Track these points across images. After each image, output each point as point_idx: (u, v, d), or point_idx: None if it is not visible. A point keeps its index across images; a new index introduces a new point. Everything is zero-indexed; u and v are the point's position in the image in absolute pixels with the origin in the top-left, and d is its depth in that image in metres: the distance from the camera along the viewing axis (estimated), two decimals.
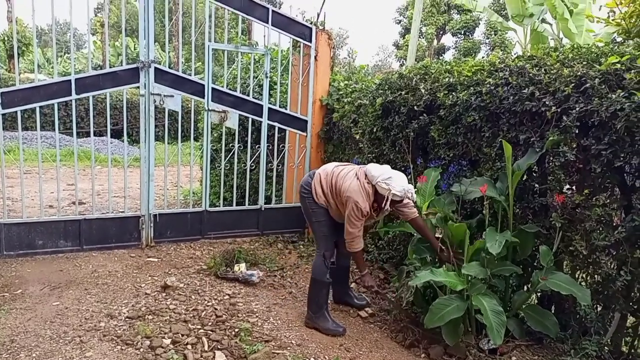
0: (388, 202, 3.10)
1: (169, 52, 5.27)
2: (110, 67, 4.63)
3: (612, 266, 2.73)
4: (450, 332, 2.99)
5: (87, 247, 4.58)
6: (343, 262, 3.71)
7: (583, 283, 3.03)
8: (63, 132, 11.59)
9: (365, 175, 3.20)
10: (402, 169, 4.30)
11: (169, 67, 4.80)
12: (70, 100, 4.38)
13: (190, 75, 4.91)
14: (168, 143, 5.01)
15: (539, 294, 3.30)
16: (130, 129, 12.12)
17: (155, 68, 4.60)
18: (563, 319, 3.08)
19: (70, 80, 4.31)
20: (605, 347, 2.83)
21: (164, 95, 4.64)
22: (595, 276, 2.95)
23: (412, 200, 3.24)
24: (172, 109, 4.76)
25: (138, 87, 4.63)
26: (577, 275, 3.07)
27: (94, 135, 5.24)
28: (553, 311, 3.17)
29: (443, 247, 3.24)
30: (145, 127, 4.64)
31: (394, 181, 3.08)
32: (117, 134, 13.05)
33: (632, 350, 2.90)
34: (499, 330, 2.70)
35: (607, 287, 2.82)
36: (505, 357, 2.96)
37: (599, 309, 3.01)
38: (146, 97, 4.59)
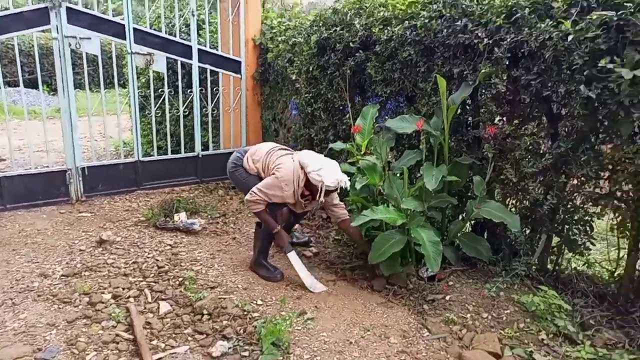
0: (322, 194, 3.07)
1: None
2: (15, 8, 4.14)
3: (539, 191, 2.89)
4: (389, 266, 3.09)
5: (11, 205, 4.27)
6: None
7: (513, 209, 3.20)
8: None
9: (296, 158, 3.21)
10: (340, 107, 4.27)
11: (85, 7, 4.36)
12: None
13: (107, 15, 4.50)
14: (91, 91, 4.65)
15: (473, 223, 3.47)
16: (49, 77, 11.16)
17: (68, 7, 4.17)
18: (495, 244, 3.27)
19: None
20: (533, 267, 3.05)
21: (80, 38, 4.25)
22: (524, 202, 3.12)
23: (346, 189, 3.22)
24: (91, 53, 4.39)
25: (50, 30, 4.20)
26: (507, 202, 3.24)
27: (8, 86, 4.70)
28: (486, 237, 3.34)
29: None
30: (62, 74, 4.26)
31: (325, 171, 3.04)
32: (33, 84, 12.02)
33: (557, 268, 3.14)
34: (436, 259, 2.82)
35: (534, 212, 2.99)
36: (443, 282, 3.12)
37: (528, 232, 3.21)
38: (60, 40, 4.19)
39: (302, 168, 3.14)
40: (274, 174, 3.16)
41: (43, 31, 4.40)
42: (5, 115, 4.30)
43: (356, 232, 3.31)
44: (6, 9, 4.11)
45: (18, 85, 11.99)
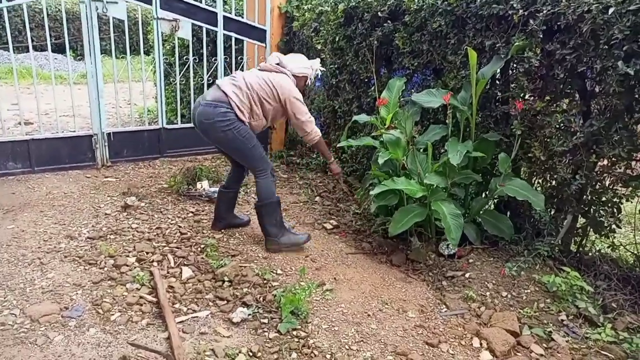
0: (309, 81, 3.34)
1: None
2: None
3: (568, 171, 2.81)
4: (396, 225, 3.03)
5: (39, 168, 4.37)
6: (235, 187, 3.55)
7: (539, 188, 3.13)
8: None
9: (279, 67, 3.20)
10: (366, 79, 4.20)
11: None
12: (1, 9, 3.94)
13: None
14: (116, 57, 4.67)
15: (496, 200, 3.41)
16: (74, 43, 11.24)
17: None
18: (518, 223, 3.21)
19: None
20: (556, 247, 2.99)
21: (107, 2, 4.24)
22: (551, 181, 3.05)
23: (318, 71, 3.41)
24: (117, 18, 4.38)
25: None
26: (533, 181, 3.17)
27: (35, 50, 4.76)
28: (509, 216, 3.29)
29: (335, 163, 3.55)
30: (89, 39, 4.27)
31: (306, 61, 3.30)
32: (60, 49, 12.10)
33: (580, 249, 3.08)
34: (457, 232, 2.79)
35: (561, 191, 2.92)
36: (463, 260, 3.10)
37: (552, 212, 3.15)
38: (87, 4, 4.18)
39: (282, 72, 3.19)
40: (285, 98, 3.10)
41: None
42: (34, 79, 4.36)
43: (322, 148, 3.39)
44: None
45: (44, 50, 12.20)
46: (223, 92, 3.03)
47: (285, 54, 5.15)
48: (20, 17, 11.47)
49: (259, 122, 3.18)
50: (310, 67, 3.30)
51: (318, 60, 3.41)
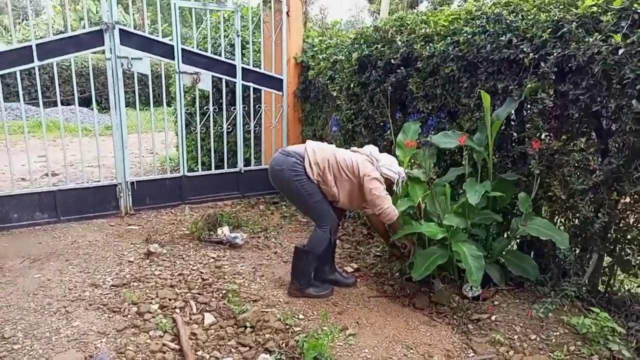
0: (396, 187, 3.16)
1: (133, 13, 5.02)
2: (72, 32, 4.40)
3: (590, 209, 2.79)
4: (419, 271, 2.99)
5: (65, 218, 4.49)
6: (335, 238, 3.43)
7: (561, 227, 3.10)
8: (28, 102, 11.13)
9: (370, 157, 3.17)
10: (381, 124, 4.29)
11: (135, 29, 4.59)
12: (33, 68, 4.17)
13: (157, 36, 4.72)
14: (139, 109, 4.86)
15: (518, 240, 3.38)
16: (99, 96, 11.70)
17: (120, 30, 4.40)
18: (542, 263, 3.16)
19: (31, 46, 4.10)
20: (584, 287, 2.93)
21: (132, 58, 4.46)
22: (574, 220, 3.02)
23: (403, 180, 3.22)
24: (141, 73, 4.59)
25: (103, 52, 4.44)
26: (555, 220, 3.14)
27: (62, 104, 4.96)
28: (532, 256, 3.25)
29: (397, 243, 3.28)
30: (115, 92, 4.48)
31: (395, 165, 3.17)
32: (85, 102, 12.60)
33: (608, 289, 3.01)
34: (478, 273, 2.76)
35: (585, 230, 2.89)
36: (488, 302, 3.05)
37: (577, 251, 3.10)
38: (113, 61, 4.41)
39: (371, 162, 3.15)
40: (365, 175, 3.03)
41: (95, 52, 4.64)
42: (62, 132, 4.54)
43: (381, 226, 3.29)
44: (62, 32, 4.37)
45: (70, 104, 12.69)
46: (305, 147, 3.14)
47: (302, 102, 5.31)
48: (48, 74, 12.04)
49: (328, 190, 3.13)
50: (399, 173, 3.16)
51: (404, 169, 3.27)
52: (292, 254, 3.30)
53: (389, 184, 3.16)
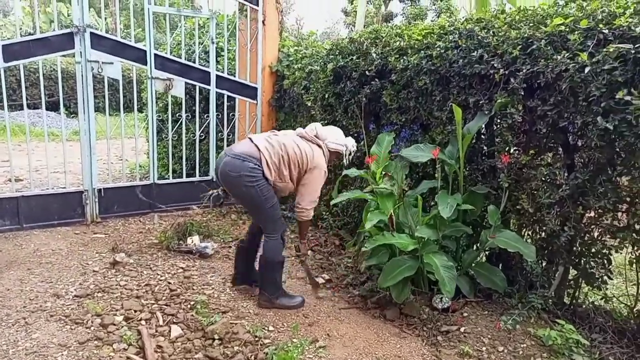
0: (345, 158, 3.26)
1: (105, 17, 4.93)
2: (41, 33, 4.29)
3: (556, 223, 2.85)
4: (399, 291, 3.04)
5: (28, 225, 4.33)
6: (255, 241, 3.42)
7: (529, 240, 3.16)
8: None
9: (316, 136, 3.18)
10: (355, 135, 4.30)
11: (107, 33, 4.50)
12: None
13: (130, 41, 4.64)
14: (109, 114, 4.75)
15: (487, 252, 3.43)
16: (68, 101, 11.41)
17: (92, 33, 4.31)
18: (510, 275, 3.21)
19: None
20: (550, 300, 2.98)
21: (103, 62, 4.37)
22: (541, 233, 3.08)
23: (352, 151, 3.29)
24: (112, 77, 4.50)
25: (73, 55, 4.33)
26: (523, 233, 3.20)
27: (28, 107, 4.82)
28: (501, 268, 3.29)
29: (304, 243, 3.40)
30: (84, 97, 4.37)
31: (343, 138, 3.27)
32: (53, 106, 12.27)
33: (574, 301, 3.07)
34: (451, 284, 2.78)
35: (551, 243, 2.95)
36: (457, 314, 3.07)
37: (544, 264, 3.16)
38: (82, 65, 4.31)
39: (318, 143, 3.16)
40: (313, 167, 3.05)
41: (65, 55, 4.52)
42: (27, 136, 4.40)
43: (304, 226, 3.30)
44: (31, 34, 4.25)
45: (37, 108, 12.35)
46: (256, 146, 2.99)
47: (276, 111, 5.30)
48: (15, 77, 11.70)
49: (285, 185, 3.09)
50: (345, 145, 3.23)
51: (353, 141, 3.33)
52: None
53: (338, 156, 3.27)
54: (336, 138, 3.22)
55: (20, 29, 4.92)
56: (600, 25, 2.53)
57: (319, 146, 3.16)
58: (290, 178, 3.09)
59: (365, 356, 2.67)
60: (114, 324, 2.83)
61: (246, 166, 2.91)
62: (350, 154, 3.27)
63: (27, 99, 4.38)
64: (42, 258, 3.77)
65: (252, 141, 3.04)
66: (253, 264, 3.45)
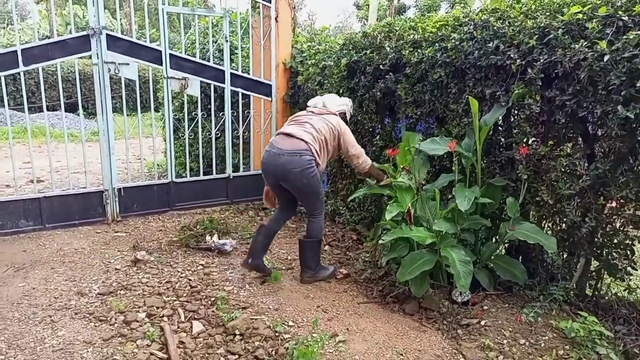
0: (348, 115, 3.77)
1: (120, 18, 5.00)
2: (58, 36, 4.36)
3: (577, 214, 2.81)
4: (418, 285, 3.04)
5: (50, 225, 4.42)
6: (277, 227, 3.66)
7: (549, 231, 3.13)
8: (13, 107, 11.00)
9: (328, 109, 3.54)
10: (370, 129, 4.30)
11: (122, 34, 4.56)
12: (18, 73, 4.12)
13: (145, 42, 4.69)
14: (127, 114, 4.82)
15: (507, 245, 3.40)
16: (86, 102, 11.60)
17: (107, 35, 4.36)
18: (531, 267, 3.18)
19: (16, 51, 4.04)
20: (571, 292, 2.95)
21: (119, 64, 4.43)
22: (561, 224, 3.04)
23: (351, 107, 3.78)
24: (129, 78, 4.55)
25: (90, 57, 4.40)
26: (543, 225, 3.16)
27: (47, 110, 4.91)
28: (521, 260, 3.27)
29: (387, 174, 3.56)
30: (101, 98, 4.43)
31: (340, 98, 3.73)
32: (71, 108, 12.48)
33: (596, 292, 3.04)
34: (466, 278, 2.76)
35: (572, 234, 2.91)
36: (477, 307, 3.05)
37: (565, 255, 3.12)
38: (99, 66, 4.37)
39: (329, 113, 3.52)
40: (340, 131, 3.43)
41: (82, 57, 4.59)
42: (47, 138, 4.48)
43: (375, 171, 3.61)
44: (48, 37, 4.32)
45: (56, 110, 12.57)
46: (302, 140, 3.25)
47: (291, 107, 5.33)
48: (34, 80, 11.91)
49: (324, 165, 3.44)
50: (345, 104, 3.69)
51: (348, 98, 3.82)
52: (298, 249, 3.60)
53: (343, 117, 3.66)
54: (337, 102, 3.65)
55: (38, 32, 4.99)
56: (620, 12, 2.48)
57: (332, 113, 3.52)
58: (327, 156, 3.45)
59: (385, 350, 2.68)
60: (137, 321, 2.88)
61: (304, 160, 3.21)
62: (350, 110, 3.78)
63: (46, 101, 4.46)
64: (65, 257, 3.85)
65: (293, 136, 3.29)
66: (268, 245, 3.63)
